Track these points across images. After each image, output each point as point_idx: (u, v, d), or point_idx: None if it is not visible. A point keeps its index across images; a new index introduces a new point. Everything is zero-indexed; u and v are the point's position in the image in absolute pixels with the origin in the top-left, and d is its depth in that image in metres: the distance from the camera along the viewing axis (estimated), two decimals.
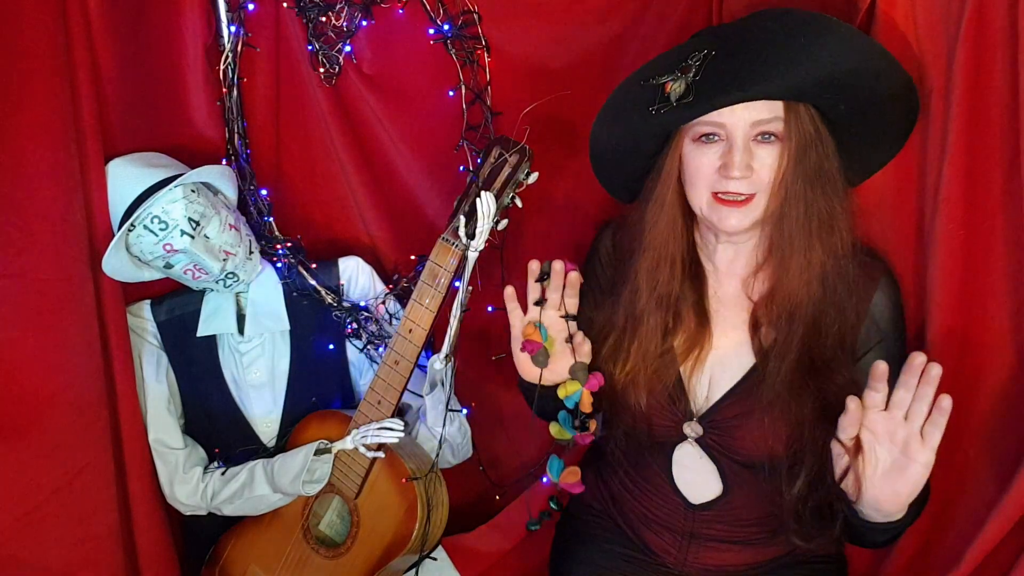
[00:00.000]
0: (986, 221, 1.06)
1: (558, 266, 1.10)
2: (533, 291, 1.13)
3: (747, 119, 1.03)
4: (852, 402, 0.97)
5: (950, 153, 1.04)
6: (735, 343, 1.19)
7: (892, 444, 0.97)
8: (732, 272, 1.19)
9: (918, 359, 0.93)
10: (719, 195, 1.07)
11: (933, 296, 1.10)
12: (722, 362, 1.19)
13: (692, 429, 1.20)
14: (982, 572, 1.08)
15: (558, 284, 1.11)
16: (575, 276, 1.11)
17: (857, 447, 1.00)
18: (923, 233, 1.15)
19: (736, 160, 1.03)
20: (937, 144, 1.08)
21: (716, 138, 1.06)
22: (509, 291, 1.13)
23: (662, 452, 1.24)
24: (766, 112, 1.03)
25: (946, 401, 0.92)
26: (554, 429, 1.20)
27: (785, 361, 1.12)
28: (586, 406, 1.18)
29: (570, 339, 1.15)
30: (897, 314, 1.16)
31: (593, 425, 1.20)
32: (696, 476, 1.23)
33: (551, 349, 1.15)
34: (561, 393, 1.18)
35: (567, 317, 1.14)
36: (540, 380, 1.17)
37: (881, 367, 0.94)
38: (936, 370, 0.93)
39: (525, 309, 1.15)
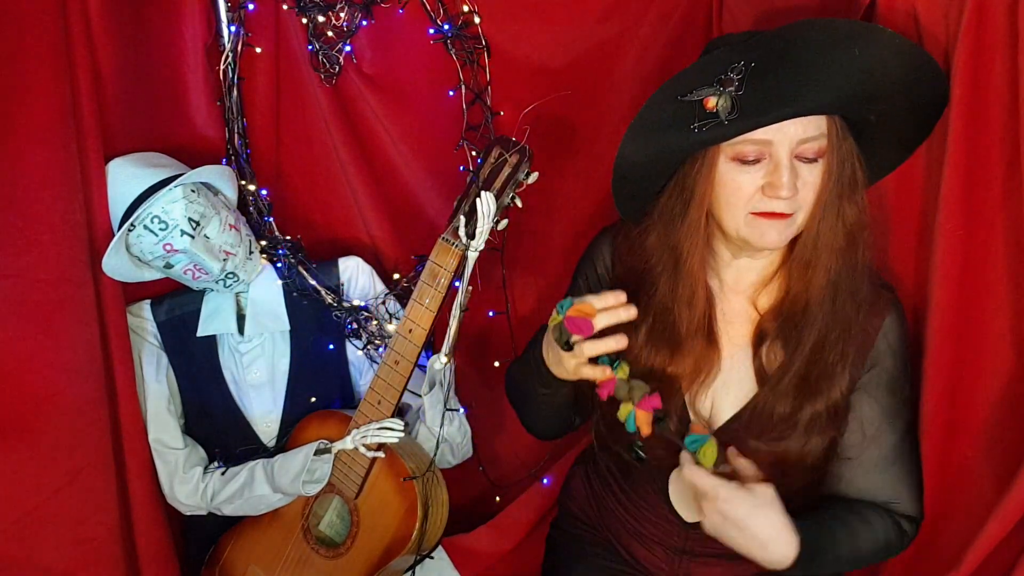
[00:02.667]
0: (985, 221, 1.06)
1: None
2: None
3: (795, 136, 0.98)
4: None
5: (950, 153, 1.04)
6: (738, 362, 1.15)
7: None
8: (737, 289, 1.16)
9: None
10: (758, 212, 1.03)
11: (932, 296, 1.10)
12: (725, 383, 1.16)
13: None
14: (981, 573, 1.08)
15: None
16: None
17: None
18: (923, 233, 1.15)
19: (784, 180, 0.98)
20: (938, 144, 1.08)
21: (758, 158, 1.00)
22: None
23: (659, 473, 1.21)
24: (813, 129, 0.98)
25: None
26: (553, 316, 1.06)
27: (787, 375, 1.10)
28: (644, 427, 1.05)
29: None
30: (902, 344, 1.13)
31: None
32: (692, 493, 1.19)
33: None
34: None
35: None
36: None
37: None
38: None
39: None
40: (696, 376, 1.15)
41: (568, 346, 1.03)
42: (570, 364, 1.06)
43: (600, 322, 1.02)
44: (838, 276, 1.06)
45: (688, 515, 1.21)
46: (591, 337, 1.02)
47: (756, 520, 1.01)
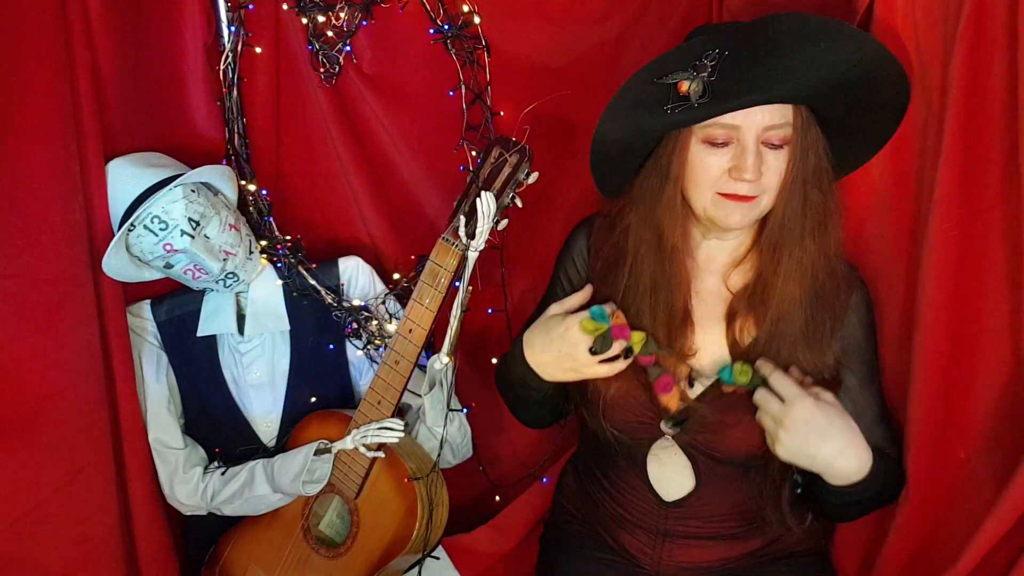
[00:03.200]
0: (981, 221, 1.06)
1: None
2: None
3: (761, 123, 1.03)
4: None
5: (946, 153, 1.04)
6: (712, 340, 1.20)
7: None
8: (710, 268, 1.21)
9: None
10: (724, 193, 1.08)
11: (927, 296, 1.10)
12: (699, 359, 1.20)
13: (669, 427, 1.20)
14: (979, 573, 1.08)
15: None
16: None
17: None
18: (917, 233, 1.15)
19: (749, 163, 1.04)
20: (934, 144, 1.08)
21: (726, 141, 1.06)
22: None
23: (637, 449, 1.25)
24: (778, 117, 1.03)
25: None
26: (587, 325, 1.13)
27: (756, 350, 1.15)
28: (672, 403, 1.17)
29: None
30: (870, 317, 1.20)
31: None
32: (670, 472, 1.24)
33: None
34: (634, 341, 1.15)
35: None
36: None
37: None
38: None
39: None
40: (678, 354, 1.19)
41: (626, 354, 1.13)
42: (590, 369, 1.14)
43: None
44: (813, 261, 1.11)
45: (666, 493, 1.25)
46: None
47: (838, 423, 1.06)
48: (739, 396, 1.15)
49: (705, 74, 1.02)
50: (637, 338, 1.14)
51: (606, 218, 1.26)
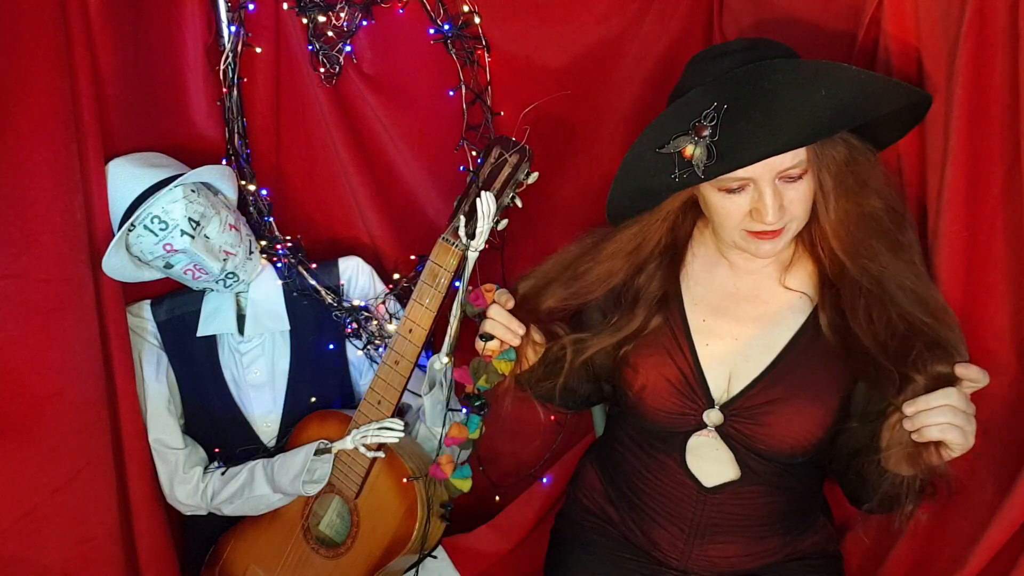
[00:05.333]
0: (988, 222, 1.06)
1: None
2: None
3: (772, 168, 1.02)
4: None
5: (952, 154, 1.04)
6: (762, 330, 1.18)
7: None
8: (749, 269, 1.20)
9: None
10: (751, 231, 1.08)
11: None
12: (744, 352, 1.18)
13: (712, 418, 1.19)
14: (987, 574, 1.08)
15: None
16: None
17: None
18: (925, 234, 1.14)
19: (768, 205, 1.03)
20: (939, 145, 1.07)
21: (741, 187, 1.05)
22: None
23: (676, 440, 1.23)
24: (790, 159, 1.02)
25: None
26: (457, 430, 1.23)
27: (864, 327, 1.09)
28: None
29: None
30: None
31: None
32: (711, 465, 1.22)
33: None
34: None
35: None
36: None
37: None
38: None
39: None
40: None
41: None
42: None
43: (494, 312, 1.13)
44: (878, 256, 1.07)
45: (706, 480, 1.23)
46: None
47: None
48: (785, 391, 1.15)
49: (707, 134, 1.00)
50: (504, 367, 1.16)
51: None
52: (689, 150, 1.02)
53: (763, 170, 1.02)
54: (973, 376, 0.96)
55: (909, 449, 1.00)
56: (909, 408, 0.96)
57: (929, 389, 0.97)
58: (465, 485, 1.24)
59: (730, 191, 1.05)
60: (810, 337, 1.16)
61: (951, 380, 0.97)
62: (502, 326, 1.13)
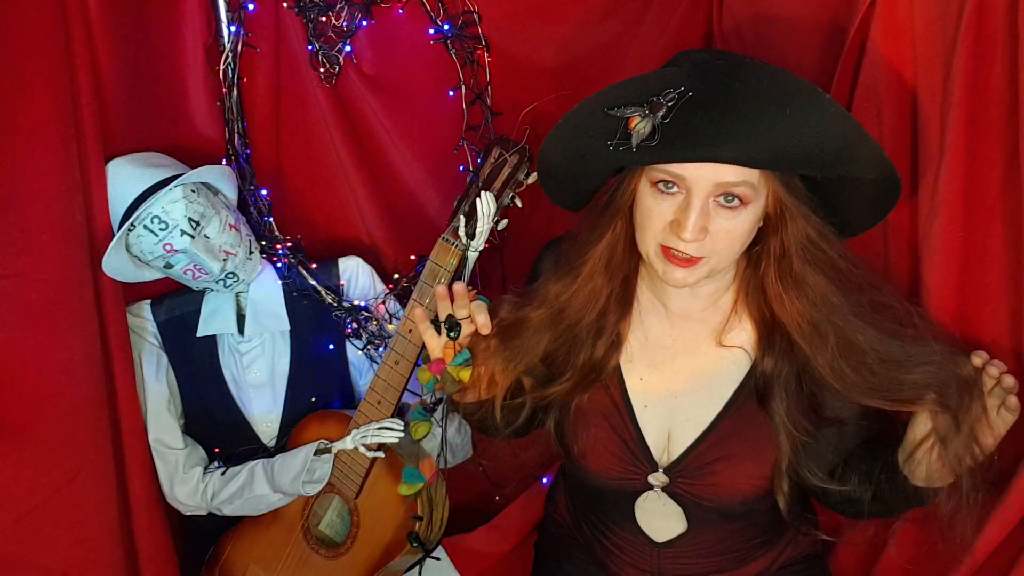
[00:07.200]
0: (984, 223, 1.05)
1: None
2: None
3: (711, 178, 0.92)
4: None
5: (948, 155, 1.04)
6: (700, 387, 1.12)
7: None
8: (688, 315, 1.11)
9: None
10: (667, 249, 0.97)
11: (930, 298, 1.10)
12: (684, 411, 1.12)
13: (658, 479, 1.14)
14: (982, 574, 1.08)
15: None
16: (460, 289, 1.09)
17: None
18: (920, 235, 1.14)
19: (690, 221, 0.93)
20: (934, 146, 1.07)
21: (674, 188, 0.95)
22: (419, 312, 1.11)
23: (623, 500, 1.20)
24: (733, 175, 0.92)
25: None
26: (403, 489, 1.24)
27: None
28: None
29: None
30: None
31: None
32: (661, 520, 1.19)
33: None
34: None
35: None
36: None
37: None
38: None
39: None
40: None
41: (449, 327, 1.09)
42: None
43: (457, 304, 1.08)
44: (829, 317, 1.00)
45: (657, 536, 1.21)
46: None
47: None
48: (729, 449, 1.10)
49: (660, 113, 0.91)
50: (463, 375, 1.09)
51: (572, 240, 1.13)
52: (635, 122, 0.92)
53: (700, 176, 0.92)
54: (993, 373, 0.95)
55: (959, 448, 0.96)
56: (993, 368, 0.95)
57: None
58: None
59: (660, 190, 0.96)
60: (750, 392, 1.09)
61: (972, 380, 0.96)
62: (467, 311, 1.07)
